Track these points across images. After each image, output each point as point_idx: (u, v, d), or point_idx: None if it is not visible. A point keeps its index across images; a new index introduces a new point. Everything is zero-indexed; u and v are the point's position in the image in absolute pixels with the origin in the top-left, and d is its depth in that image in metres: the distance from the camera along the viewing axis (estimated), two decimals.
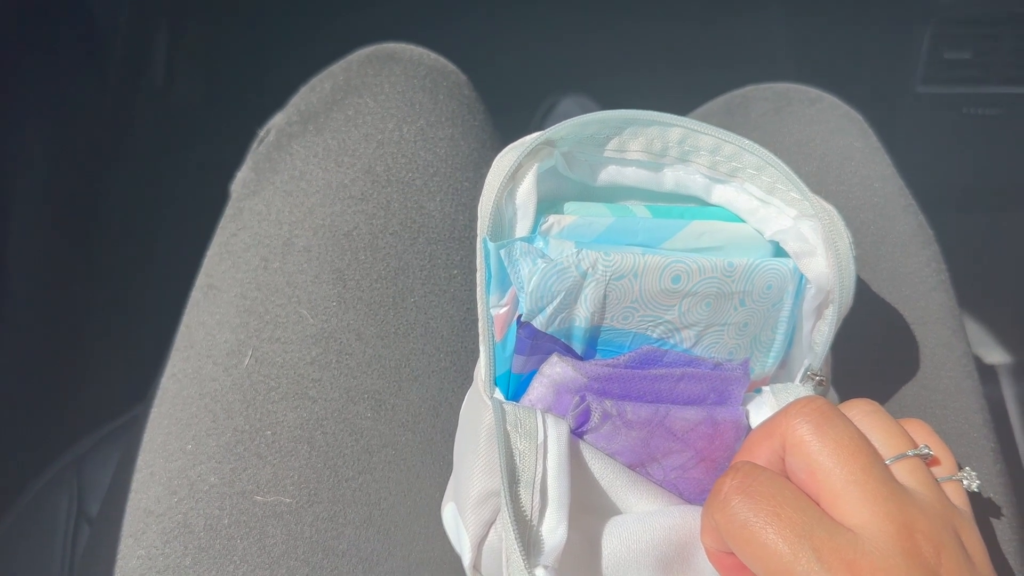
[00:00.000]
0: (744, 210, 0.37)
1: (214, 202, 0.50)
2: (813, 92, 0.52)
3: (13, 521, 0.60)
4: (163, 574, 0.36)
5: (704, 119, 0.55)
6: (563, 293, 0.33)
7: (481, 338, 0.34)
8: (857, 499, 0.26)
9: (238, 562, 0.37)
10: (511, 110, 1.11)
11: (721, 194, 0.37)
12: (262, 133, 0.51)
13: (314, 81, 0.50)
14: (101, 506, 0.43)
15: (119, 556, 0.38)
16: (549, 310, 0.33)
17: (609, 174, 0.36)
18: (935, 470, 0.30)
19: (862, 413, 0.30)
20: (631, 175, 0.36)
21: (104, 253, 0.86)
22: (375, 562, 0.38)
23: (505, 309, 0.34)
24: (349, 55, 0.51)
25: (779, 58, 1.12)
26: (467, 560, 0.35)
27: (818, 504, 0.27)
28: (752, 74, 0.65)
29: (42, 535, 0.59)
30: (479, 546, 0.35)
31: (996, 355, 0.90)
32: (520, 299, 0.33)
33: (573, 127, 0.34)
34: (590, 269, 0.33)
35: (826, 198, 0.41)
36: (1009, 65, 0.80)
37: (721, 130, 0.35)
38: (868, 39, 0.89)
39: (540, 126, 1.14)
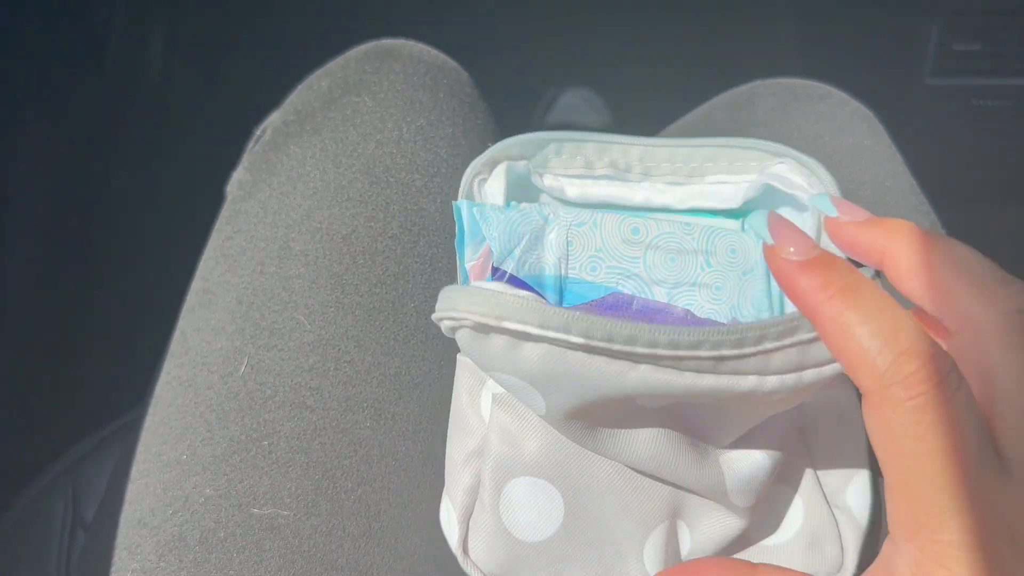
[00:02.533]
0: (720, 197, 0.38)
1: (212, 200, 0.49)
2: (822, 88, 0.50)
3: (9, 525, 0.60)
4: None
5: (709, 115, 0.54)
6: (528, 235, 0.35)
7: None
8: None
9: None
10: (513, 103, 1.10)
11: (688, 192, 0.38)
12: (258, 132, 0.50)
13: (311, 79, 0.49)
14: (96, 514, 0.43)
15: (113, 569, 0.37)
16: (517, 252, 0.35)
17: (579, 188, 0.38)
18: None
19: None
20: (602, 191, 0.38)
21: (100, 252, 0.85)
22: (375, 575, 0.38)
23: (479, 260, 0.35)
24: (347, 52, 0.50)
25: (786, 51, 1.11)
26: (455, 539, 0.35)
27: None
28: (759, 67, 0.64)
29: (38, 540, 0.58)
30: (466, 520, 0.35)
31: None
32: (492, 250, 0.35)
33: (502, 147, 0.36)
34: (551, 215, 0.36)
35: None
36: (1019, 56, 0.79)
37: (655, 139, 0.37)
38: (877, 31, 0.88)
39: (542, 120, 1.13)
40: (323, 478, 0.38)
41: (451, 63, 0.50)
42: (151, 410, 0.41)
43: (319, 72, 0.49)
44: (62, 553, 0.57)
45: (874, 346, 0.22)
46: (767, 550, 0.36)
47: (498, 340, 0.28)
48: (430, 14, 1.04)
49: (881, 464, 0.24)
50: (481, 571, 0.35)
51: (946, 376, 0.22)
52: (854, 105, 0.49)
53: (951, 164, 0.88)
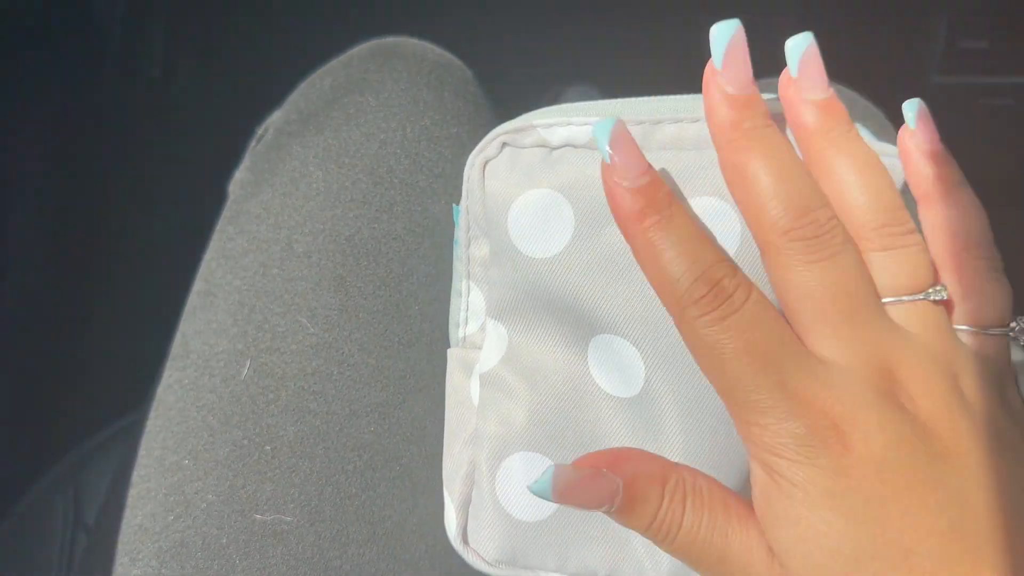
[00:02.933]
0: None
1: (214, 200, 0.49)
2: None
3: (10, 528, 0.59)
4: None
5: None
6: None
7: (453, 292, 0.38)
8: (831, 337, 0.26)
9: None
10: (517, 101, 1.10)
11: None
12: (260, 131, 0.49)
13: (313, 77, 0.48)
14: (97, 518, 0.42)
15: (115, 575, 0.37)
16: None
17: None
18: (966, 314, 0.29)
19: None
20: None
21: (101, 252, 0.84)
22: None
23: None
24: (350, 50, 0.49)
25: None
26: (453, 529, 0.35)
27: (792, 327, 0.27)
28: (764, 64, 0.63)
29: (39, 542, 0.58)
30: (465, 508, 0.35)
31: (1012, 353, 0.88)
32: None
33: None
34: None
35: None
36: None
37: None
38: (883, 29, 0.87)
39: None
40: (326, 483, 0.37)
41: (455, 61, 0.49)
42: (152, 413, 0.40)
43: (322, 71, 0.49)
44: (63, 555, 0.57)
45: (675, 271, 0.26)
46: None
47: (535, 152, 0.33)
48: (433, 12, 1.03)
49: (706, 376, 0.27)
50: (483, 558, 0.35)
51: (732, 294, 0.26)
52: (862, 103, 0.49)
53: (959, 162, 0.87)
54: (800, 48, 0.29)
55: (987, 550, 0.24)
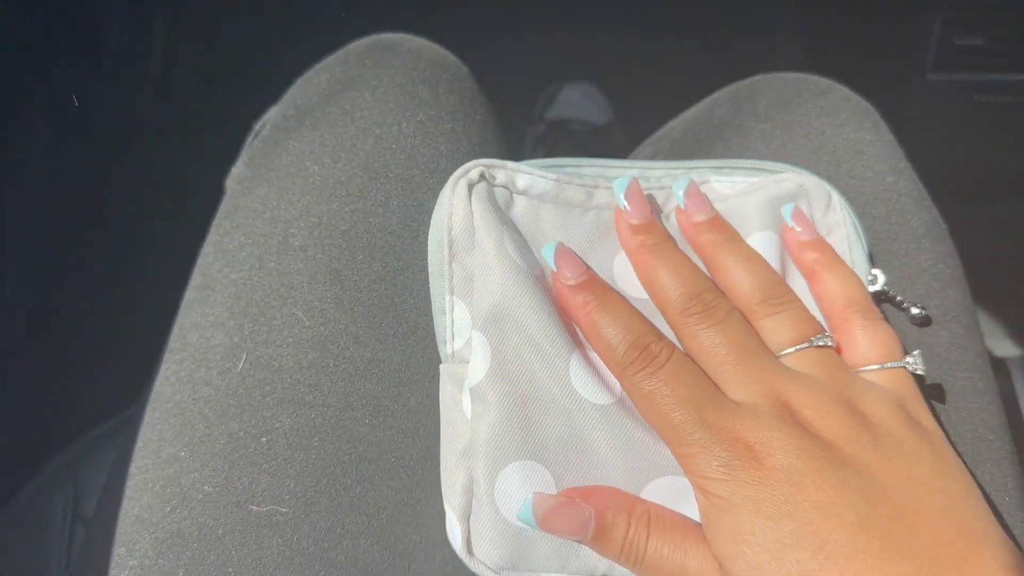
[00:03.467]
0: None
1: (212, 195, 0.49)
2: (824, 83, 0.50)
3: (9, 519, 0.60)
4: None
5: (710, 110, 0.54)
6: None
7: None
8: (740, 382, 0.33)
9: (232, 573, 0.36)
10: (513, 98, 1.10)
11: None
12: (257, 127, 0.50)
13: (310, 74, 0.49)
14: (95, 510, 0.42)
15: (112, 566, 0.37)
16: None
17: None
18: (870, 354, 0.36)
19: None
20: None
21: (100, 247, 0.85)
22: (375, 573, 0.37)
23: None
24: (346, 46, 0.49)
25: (787, 45, 1.10)
26: (458, 542, 0.35)
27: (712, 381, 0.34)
28: (760, 61, 0.64)
29: (38, 534, 0.58)
30: (466, 519, 0.36)
31: (1006, 348, 0.89)
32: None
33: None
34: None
35: None
36: (1021, 51, 0.79)
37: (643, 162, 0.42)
38: (878, 26, 0.87)
39: (542, 114, 1.12)
40: (322, 475, 0.38)
41: (451, 58, 0.50)
42: (150, 406, 0.40)
43: (318, 67, 0.49)
44: (62, 547, 0.57)
45: (613, 342, 0.34)
46: None
47: (502, 192, 0.39)
48: (430, 8, 1.04)
49: (648, 423, 0.34)
50: (489, 568, 0.35)
51: (658, 354, 0.33)
52: (856, 100, 0.49)
53: (953, 159, 0.88)
54: (681, 187, 0.40)
55: (894, 538, 0.29)
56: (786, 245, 0.40)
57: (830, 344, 0.35)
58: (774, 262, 0.39)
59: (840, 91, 0.49)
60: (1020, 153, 0.88)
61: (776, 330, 0.35)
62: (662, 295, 0.36)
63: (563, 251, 0.37)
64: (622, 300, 0.36)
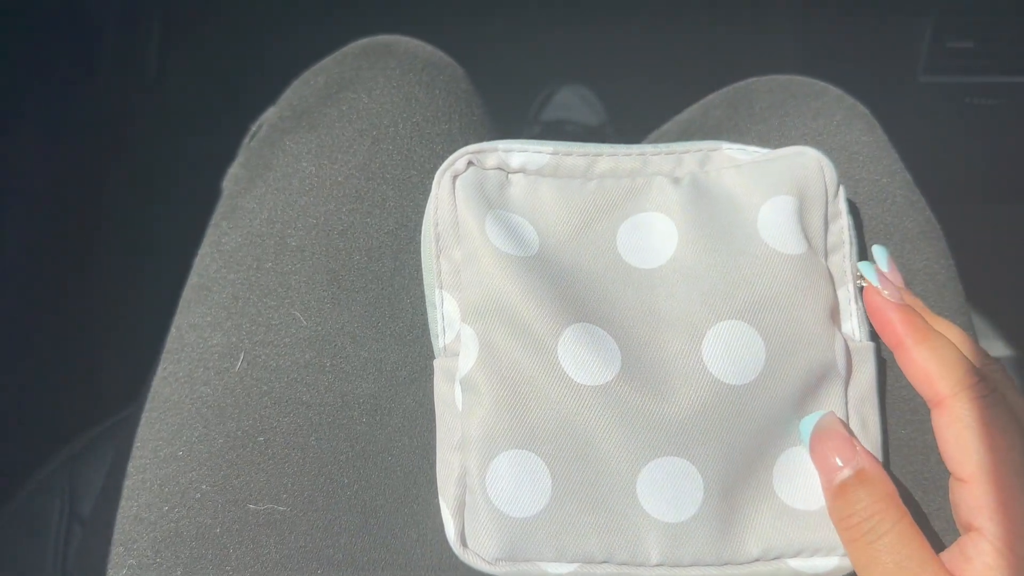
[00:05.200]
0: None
1: (208, 196, 0.49)
2: (818, 85, 0.50)
3: (6, 520, 0.60)
4: None
5: (706, 112, 0.54)
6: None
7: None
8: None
9: (231, 572, 0.36)
10: (508, 100, 1.10)
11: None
12: (254, 128, 0.50)
13: (307, 75, 0.49)
14: (93, 509, 0.42)
15: (110, 565, 0.37)
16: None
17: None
18: None
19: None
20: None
21: (97, 249, 0.85)
22: (371, 571, 0.38)
23: None
24: (343, 48, 0.50)
25: (781, 47, 1.11)
26: (452, 534, 0.35)
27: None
28: (754, 64, 0.64)
29: (35, 535, 0.58)
30: (460, 512, 0.36)
31: (998, 348, 0.89)
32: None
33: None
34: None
35: None
36: (1012, 54, 0.79)
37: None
38: (871, 29, 0.88)
39: (537, 115, 1.13)
40: (319, 474, 0.38)
41: (447, 59, 0.50)
42: (148, 406, 0.41)
43: (315, 68, 0.49)
44: (59, 548, 0.57)
45: (941, 370, 0.34)
46: (793, 514, 0.36)
47: (497, 175, 0.39)
48: (426, 10, 1.04)
49: (954, 459, 0.33)
50: (483, 559, 0.35)
51: (996, 387, 0.33)
52: (850, 102, 0.49)
53: (945, 161, 0.88)
54: (882, 259, 0.39)
55: None
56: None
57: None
58: (792, 227, 0.38)
59: (834, 93, 0.50)
60: (1012, 155, 0.88)
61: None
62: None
63: (884, 267, 0.39)
64: (936, 332, 0.36)
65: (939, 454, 0.34)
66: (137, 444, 0.40)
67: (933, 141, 0.86)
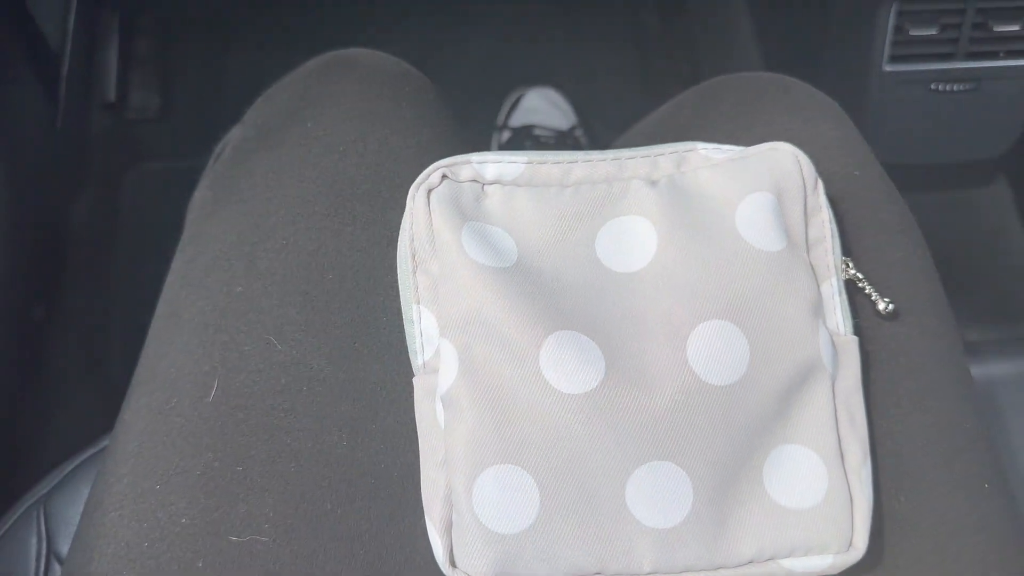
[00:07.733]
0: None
1: (174, 218, 0.49)
2: (787, 80, 0.50)
3: None
4: None
5: (675, 112, 0.54)
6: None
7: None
8: None
9: None
10: (477, 107, 1.10)
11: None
12: (218, 149, 0.49)
13: (269, 93, 0.48)
14: (70, 549, 0.41)
15: None
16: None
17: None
18: None
19: None
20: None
21: (64, 280, 0.83)
22: None
23: None
24: (305, 63, 0.49)
25: (743, 42, 1.11)
26: (440, 555, 0.35)
27: None
28: (717, 61, 0.64)
29: (12, 574, 0.57)
30: (447, 531, 0.35)
31: (974, 332, 0.90)
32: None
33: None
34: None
35: None
36: (975, 40, 0.80)
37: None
38: (831, 20, 0.88)
39: (506, 121, 1.13)
40: (301, 501, 0.37)
41: (412, 70, 0.49)
42: (121, 439, 0.40)
43: (277, 85, 0.48)
44: None
45: None
46: (785, 513, 0.35)
47: (471, 187, 0.39)
48: (388, 21, 1.03)
49: None
50: None
51: None
52: (820, 96, 0.49)
53: (912, 149, 0.89)
54: None
55: None
56: None
57: None
58: (771, 224, 0.38)
59: (803, 88, 0.50)
60: (979, 140, 0.89)
61: None
62: None
63: None
64: None
65: (920, 446, 0.34)
66: (111, 479, 0.39)
67: (901, 130, 0.87)
